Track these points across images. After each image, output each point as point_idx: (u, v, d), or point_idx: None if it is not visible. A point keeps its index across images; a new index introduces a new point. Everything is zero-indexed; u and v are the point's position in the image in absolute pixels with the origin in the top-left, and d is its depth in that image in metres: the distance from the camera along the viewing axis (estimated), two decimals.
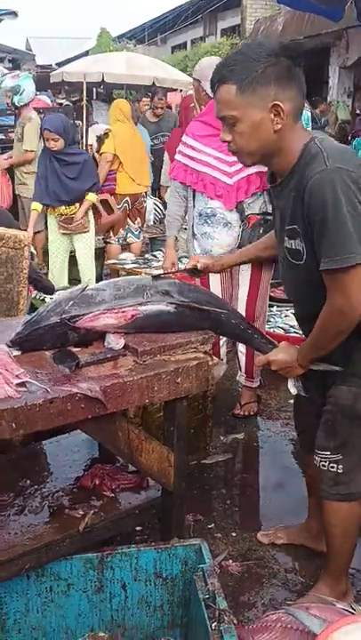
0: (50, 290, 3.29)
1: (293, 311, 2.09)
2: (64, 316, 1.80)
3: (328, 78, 13.27)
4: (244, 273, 3.07)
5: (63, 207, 4.53)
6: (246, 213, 2.96)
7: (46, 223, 4.90)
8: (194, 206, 3.10)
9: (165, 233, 3.48)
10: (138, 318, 1.86)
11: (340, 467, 1.87)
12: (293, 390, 2.00)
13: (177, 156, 3.13)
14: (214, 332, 2.02)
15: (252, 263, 2.94)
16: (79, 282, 4.79)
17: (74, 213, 4.56)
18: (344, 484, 1.89)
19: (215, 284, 3.13)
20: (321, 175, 1.55)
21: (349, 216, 1.53)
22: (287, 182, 1.70)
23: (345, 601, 1.98)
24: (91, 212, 4.73)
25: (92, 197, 4.59)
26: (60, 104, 13.69)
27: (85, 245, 4.76)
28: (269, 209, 2.89)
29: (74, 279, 4.91)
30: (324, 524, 1.99)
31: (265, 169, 2.76)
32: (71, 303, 1.83)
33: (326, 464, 1.90)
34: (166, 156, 6.22)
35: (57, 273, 4.74)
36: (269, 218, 2.87)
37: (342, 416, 1.86)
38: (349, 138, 9.62)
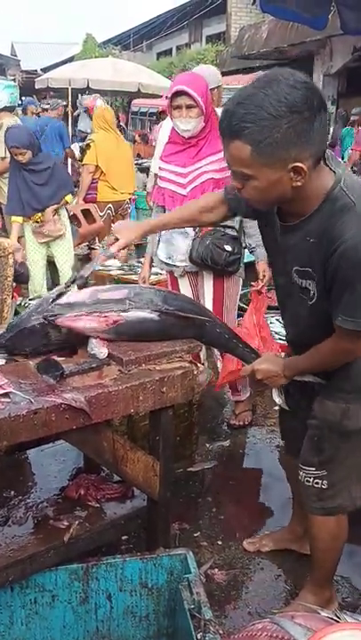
0: (26, 279, 3.36)
1: (286, 330, 2.03)
2: (45, 314, 1.80)
3: None
4: (207, 283, 3.10)
5: (38, 215, 4.51)
6: None
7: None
8: None
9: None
10: (120, 324, 1.85)
11: (325, 482, 1.87)
12: (278, 400, 2.02)
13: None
14: (199, 340, 2.02)
15: (213, 273, 3.02)
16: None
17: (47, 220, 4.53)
18: (330, 498, 1.88)
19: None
20: (356, 241, 1.48)
21: None
22: (303, 226, 1.60)
23: (330, 608, 2.00)
24: (66, 217, 4.71)
25: (68, 198, 4.59)
26: (45, 109, 13.65)
27: (64, 251, 4.74)
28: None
29: (55, 285, 4.89)
30: (310, 535, 2.00)
31: (220, 175, 2.84)
32: (53, 303, 1.83)
33: (311, 479, 1.89)
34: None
35: (37, 281, 4.71)
36: (221, 230, 2.90)
37: (330, 431, 1.84)
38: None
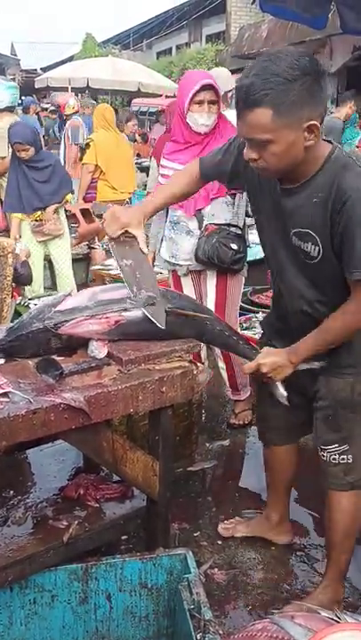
0: (28, 280, 3.31)
1: (274, 308, 2.08)
2: (47, 322, 1.79)
3: None
4: (210, 282, 3.11)
5: (38, 213, 4.50)
6: (205, 223, 3.00)
7: None
8: (167, 214, 3.18)
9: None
10: (122, 324, 1.84)
11: (350, 456, 1.94)
12: (283, 392, 2.00)
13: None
14: (199, 339, 2.01)
15: (217, 272, 3.03)
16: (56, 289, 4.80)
17: (49, 219, 4.53)
18: (354, 471, 1.95)
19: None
20: None
21: None
22: (307, 187, 1.70)
23: (339, 604, 2.04)
24: (64, 217, 4.71)
25: (68, 197, 4.60)
26: (45, 109, 13.67)
27: (61, 251, 4.72)
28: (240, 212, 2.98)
29: (54, 284, 4.89)
30: (335, 517, 2.01)
31: None
32: (54, 310, 1.82)
33: (337, 457, 1.95)
34: (153, 162, 6.23)
35: (36, 280, 4.70)
36: (227, 228, 2.93)
37: (343, 408, 1.91)
38: None
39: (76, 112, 7.75)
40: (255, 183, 1.86)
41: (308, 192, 1.69)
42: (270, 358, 1.90)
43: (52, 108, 12.99)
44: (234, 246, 2.94)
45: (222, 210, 3.01)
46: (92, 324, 1.82)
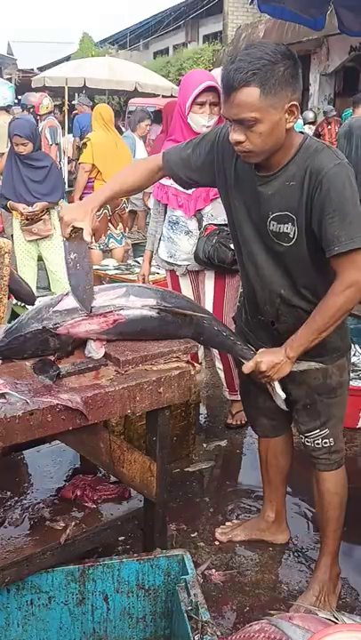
0: (30, 298, 3.23)
1: (247, 299, 2.11)
2: (45, 322, 1.79)
3: (309, 85, 13.40)
4: (208, 282, 3.12)
5: (29, 209, 4.50)
6: (205, 223, 3.02)
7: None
8: (165, 214, 3.21)
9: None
10: (120, 323, 1.84)
11: (331, 439, 2.06)
12: (281, 394, 2.00)
13: None
14: (197, 339, 2.01)
15: (216, 272, 3.05)
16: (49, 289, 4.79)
17: (39, 217, 4.52)
18: (337, 452, 2.09)
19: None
20: (338, 169, 1.69)
21: (359, 206, 1.71)
22: (282, 174, 1.78)
23: (338, 584, 2.16)
24: (56, 218, 4.70)
25: (60, 203, 4.61)
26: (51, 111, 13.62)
27: (53, 252, 4.69)
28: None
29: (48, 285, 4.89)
30: (325, 499, 2.11)
31: None
32: (52, 310, 1.81)
33: (320, 441, 2.06)
34: None
35: (28, 280, 4.69)
36: (226, 229, 2.90)
37: (319, 394, 2.02)
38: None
39: (51, 112, 7.70)
40: (232, 175, 1.91)
41: (282, 179, 1.78)
42: (268, 357, 1.91)
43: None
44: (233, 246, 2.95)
45: (222, 210, 3.00)
46: (90, 324, 1.82)
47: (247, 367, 1.96)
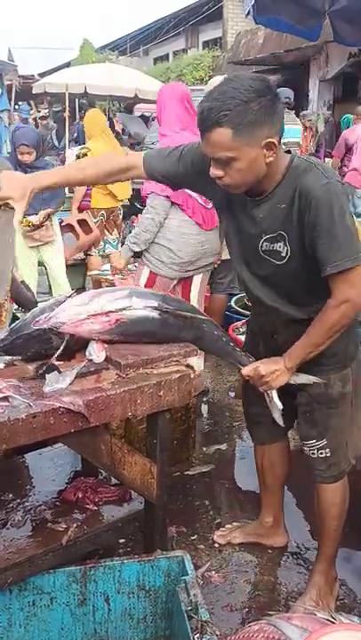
0: (30, 304, 3.21)
1: (253, 320, 2.16)
2: (50, 321, 1.81)
3: (308, 91, 13.45)
4: (195, 285, 3.30)
5: (31, 217, 4.51)
6: None
7: None
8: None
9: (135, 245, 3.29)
10: (122, 323, 1.86)
11: (328, 450, 2.03)
12: (278, 416, 2.03)
13: None
14: (196, 344, 2.03)
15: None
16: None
17: (41, 223, 4.54)
18: (335, 465, 2.05)
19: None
20: (327, 187, 1.70)
21: (350, 224, 1.73)
22: (272, 197, 1.80)
23: (335, 588, 2.16)
24: (57, 224, 4.72)
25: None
26: (44, 117, 13.71)
27: (54, 257, 4.72)
28: None
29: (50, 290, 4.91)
30: (323, 508, 2.11)
31: None
32: (56, 309, 1.84)
33: (316, 451, 2.04)
34: None
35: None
36: None
37: (319, 403, 2.00)
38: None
39: (46, 118, 7.75)
40: (225, 195, 1.91)
41: (273, 201, 1.80)
42: (267, 363, 1.94)
43: (42, 114, 13.03)
44: None
45: None
46: (93, 323, 1.84)
47: (246, 370, 1.99)
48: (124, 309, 1.87)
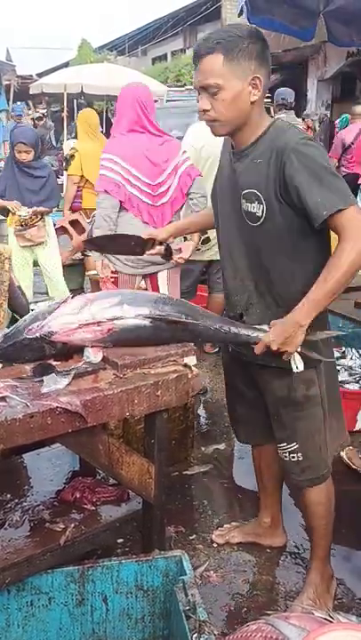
0: (23, 309, 3.14)
1: (226, 284, 2.08)
2: (41, 331, 1.81)
3: (307, 91, 13.45)
4: (162, 279, 3.35)
5: (22, 214, 4.50)
6: None
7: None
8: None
9: None
10: (114, 332, 1.86)
11: (299, 454, 1.99)
12: (301, 366, 1.86)
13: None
14: (196, 341, 2.02)
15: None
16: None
17: (32, 221, 4.52)
18: (310, 469, 2.01)
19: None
20: (305, 142, 1.74)
21: (334, 171, 1.77)
22: (251, 151, 1.84)
23: (332, 586, 2.16)
24: (51, 225, 4.72)
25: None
26: (41, 117, 13.70)
27: (49, 258, 4.71)
28: None
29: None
30: (308, 509, 2.10)
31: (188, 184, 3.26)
32: (48, 317, 1.84)
33: (287, 454, 2.02)
34: None
35: (22, 287, 4.70)
36: None
37: (283, 407, 1.98)
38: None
39: (42, 118, 7.74)
40: (221, 163, 2.01)
41: (252, 156, 1.84)
42: (277, 331, 1.80)
43: (39, 114, 13.00)
44: None
45: None
46: (85, 332, 1.84)
47: (258, 349, 1.86)
48: (115, 319, 1.85)
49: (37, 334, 1.80)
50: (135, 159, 3.14)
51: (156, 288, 3.36)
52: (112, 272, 3.41)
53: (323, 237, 1.84)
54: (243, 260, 1.93)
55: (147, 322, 1.89)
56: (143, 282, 3.43)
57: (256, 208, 1.82)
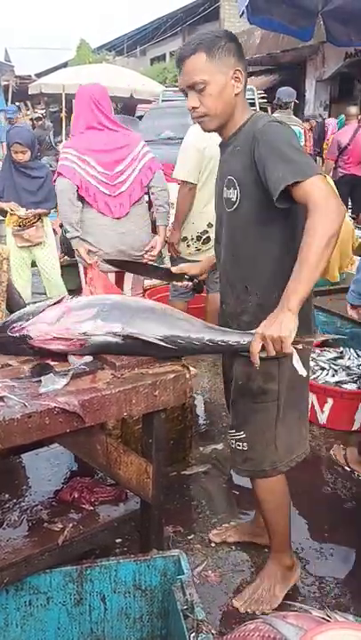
0: (19, 309, 3.11)
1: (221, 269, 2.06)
2: (22, 332, 1.84)
3: (305, 92, 13.47)
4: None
5: (21, 214, 4.49)
6: None
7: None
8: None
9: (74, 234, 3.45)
10: (86, 347, 1.84)
11: (245, 444, 2.01)
12: (302, 371, 1.78)
13: None
14: (180, 357, 1.92)
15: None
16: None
17: (30, 222, 4.52)
18: (253, 461, 2.02)
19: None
20: (270, 123, 1.81)
21: (300, 148, 1.80)
22: (233, 140, 1.92)
23: (293, 575, 2.18)
24: (49, 225, 4.71)
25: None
26: (40, 118, 13.70)
27: (46, 258, 4.70)
28: None
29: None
30: (258, 501, 2.13)
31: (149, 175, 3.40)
32: (30, 321, 1.85)
33: (234, 442, 2.05)
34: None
35: (20, 286, 4.70)
36: None
37: (240, 395, 2.00)
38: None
39: (41, 118, 7.74)
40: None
41: (233, 145, 1.92)
42: (263, 328, 1.67)
43: (38, 115, 12.99)
44: None
45: None
46: (58, 344, 1.84)
47: (252, 356, 1.71)
48: (86, 336, 1.82)
49: (17, 334, 1.83)
50: (92, 151, 3.27)
51: (121, 286, 3.45)
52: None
53: (294, 222, 1.80)
54: (224, 244, 1.99)
55: (118, 339, 1.83)
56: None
57: (232, 194, 1.88)
